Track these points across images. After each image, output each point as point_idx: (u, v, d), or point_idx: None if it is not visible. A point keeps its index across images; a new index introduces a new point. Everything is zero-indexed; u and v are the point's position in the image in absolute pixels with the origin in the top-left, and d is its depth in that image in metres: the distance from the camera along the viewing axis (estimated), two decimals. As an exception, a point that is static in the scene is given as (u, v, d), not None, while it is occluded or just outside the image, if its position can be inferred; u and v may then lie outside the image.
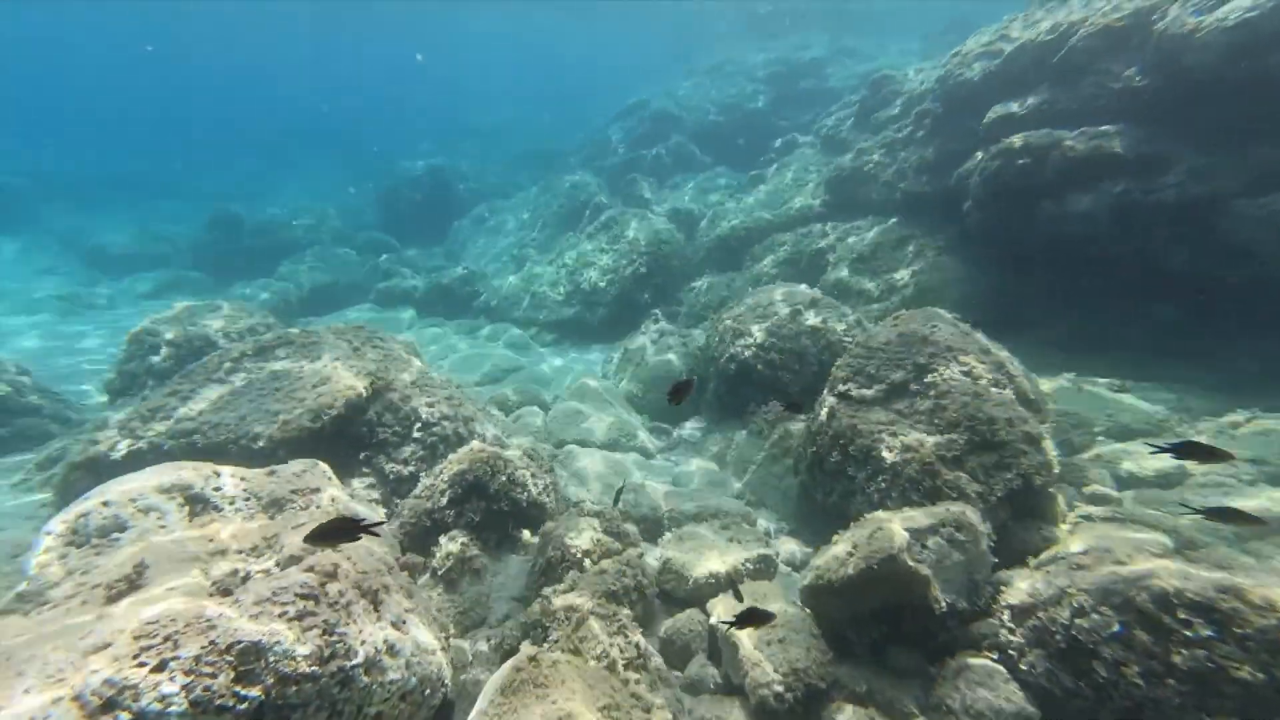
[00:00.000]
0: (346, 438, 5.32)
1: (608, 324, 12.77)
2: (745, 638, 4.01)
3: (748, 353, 7.61)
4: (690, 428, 8.53)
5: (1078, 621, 3.14)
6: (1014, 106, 8.85)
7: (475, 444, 5.58)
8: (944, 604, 3.67)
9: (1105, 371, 7.02)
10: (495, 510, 5.12)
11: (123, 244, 20.38)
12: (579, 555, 4.66)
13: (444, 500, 4.86)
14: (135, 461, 4.69)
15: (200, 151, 40.39)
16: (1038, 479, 4.19)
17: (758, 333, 7.72)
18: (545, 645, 3.75)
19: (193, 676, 2.11)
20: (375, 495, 5.16)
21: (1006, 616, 3.57)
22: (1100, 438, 5.92)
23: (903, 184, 10.80)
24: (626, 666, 3.78)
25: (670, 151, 19.56)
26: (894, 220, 10.52)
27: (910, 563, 3.73)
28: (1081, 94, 8.18)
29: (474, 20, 50.62)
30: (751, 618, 3.46)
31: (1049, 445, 4.44)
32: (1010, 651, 3.47)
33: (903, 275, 9.39)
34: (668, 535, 5.52)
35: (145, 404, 5.26)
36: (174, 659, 2.12)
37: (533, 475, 5.53)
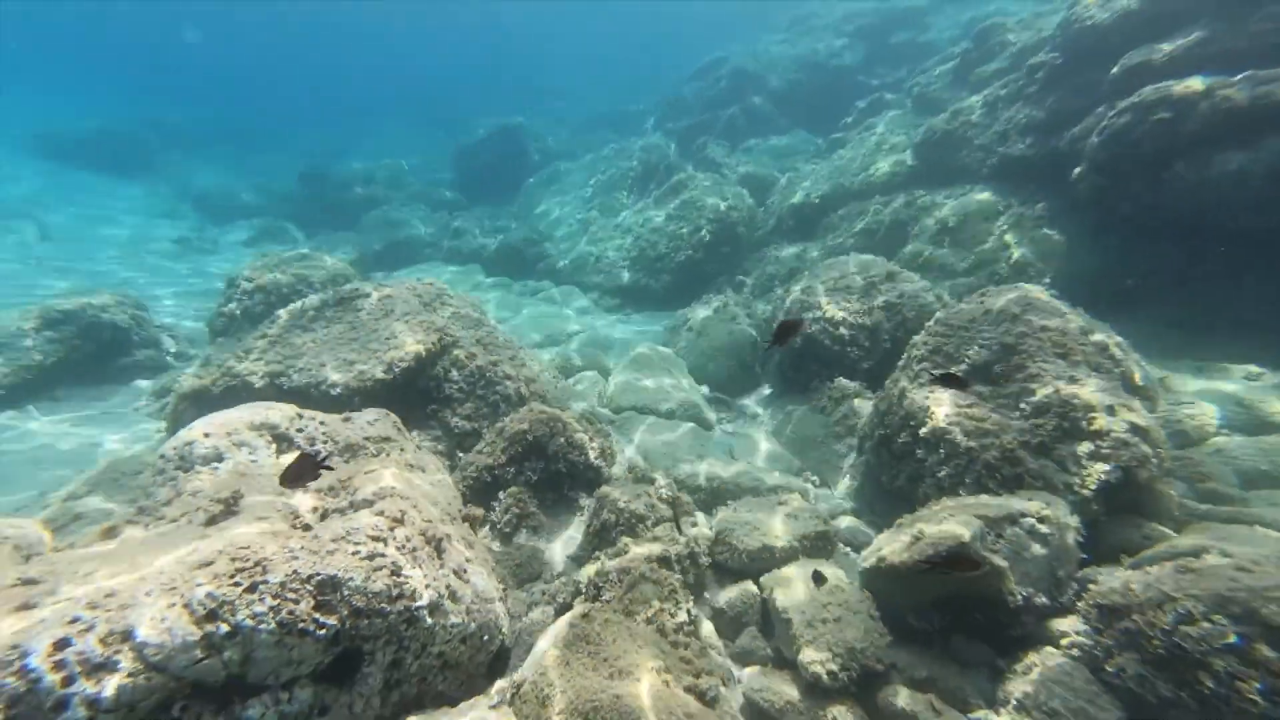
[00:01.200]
0: (415, 390, 5.54)
1: (672, 291, 12.62)
2: (798, 612, 3.96)
3: (815, 326, 7.32)
4: (751, 400, 8.38)
5: (1183, 629, 2.89)
6: (1157, 51, 7.70)
7: (536, 405, 5.68)
8: (1020, 597, 3.47)
9: (1237, 357, 6.22)
10: (553, 470, 5.23)
11: (226, 193, 22.10)
12: (633, 520, 4.70)
13: (504, 458, 4.99)
14: (230, 397, 5.07)
15: (297, 107, 42.69)
16: (1142, 472, 3.83)
17: (827, 306, 7.40)
18: (598, 604, 3.82)
19: (279, 600, 2.26)
20: (440, 447, 5.37)
21: (1094, 615, 3.34)
22: (1225, 430, 5.31)
23: (1001, 147, 9.84)
24: (676, 630, 3.82)
25: (745, 112, 18.80)
26: (988, 188, 9.70)
27: (983, 552, 3.54)
28: (1251, 29, 7.00)
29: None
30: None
31: (1159, 436, 4.03)
32: (1096, 652, 3.26)
33: (994, 248, 8.69)
34: (723, 507, 5.48)
35: (240, 345, 5.66)
36: (263, 582, 2.27)
37: (590, 439, 5.59)
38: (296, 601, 2.31)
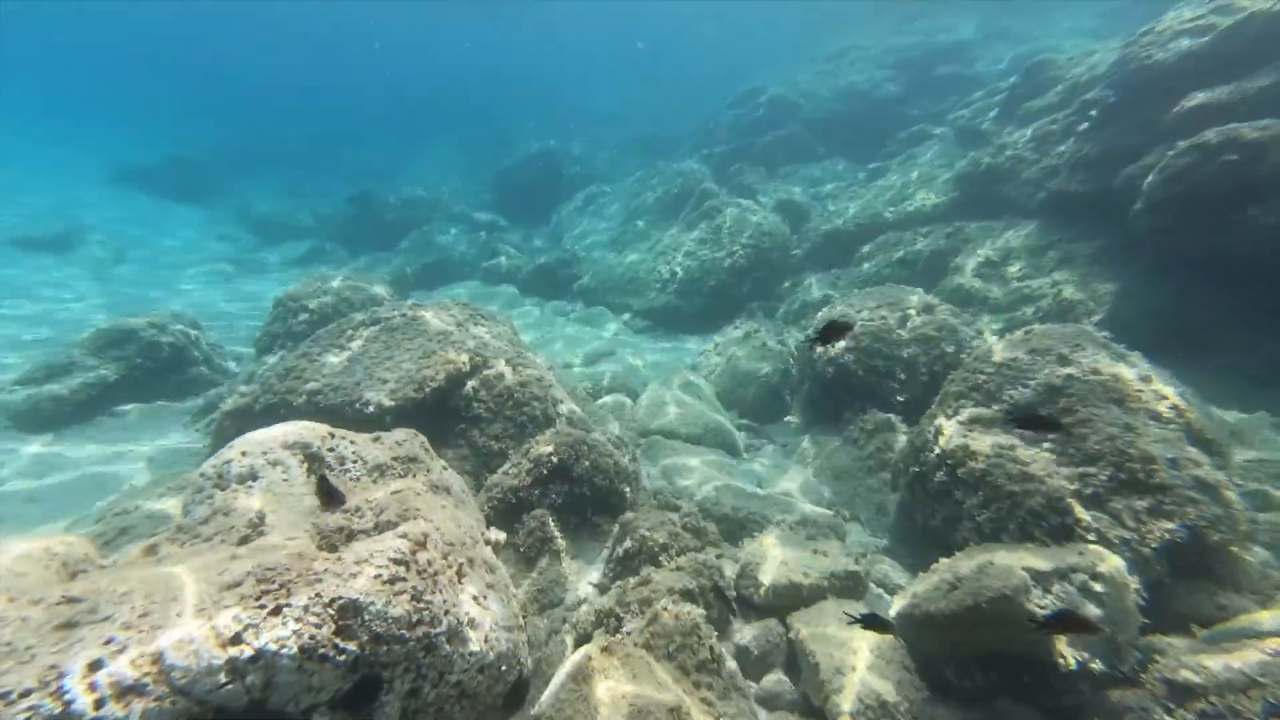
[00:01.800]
0: (446, 409, 5.60)
1: (703, 315, 12.60)
2: (826, 657, 3.79)
3: (848, 357, 7.17)
4: (781, 429, 8.22)
5: (1275, 720, 2.64)
6: (1220, 92, 7.53)
7: (562, 426, 5.68)
8: (1074, 662, 3.25)
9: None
10: (577, 494, 5.19)
11: (279, 216, 23.29)
12: (656, 549, 4.62)
13: (529, 480, 4.98)
14: (271, 414, 5.20)
15: (351, 129, 44.87)
16: (1213, 535, 3.55)
17: (861, 336, 7.25)
18: (619, 637, 3.74)
19: (302, 624, 2.26)
20: (467, 467, 5.39)
21: (1162, 692, 3.08)
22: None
23: (1051, 182, 9.61)
24: (699, 669, 3.69)
25: (783, 140, 18.84)
26: (1035, 223, 9.45)
27: (1030, 607, 3.33)
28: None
29: (606, 5, 52.16)
30: (874, 623, 3.25)
31: (1232, 496, 3.75)
32: (1166, 733, 2.99)
33: (1041, 285, 8.42)
34: (748, 538, 5.34)
35: (282, 363, 5.82)
36: (287, 605, 2.27)
37: (616, 463, 5.54)
38: (319, 626, 2.30)
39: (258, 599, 2.21)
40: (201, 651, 1.92)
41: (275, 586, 2.30)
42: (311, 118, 48.78)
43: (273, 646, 2.12)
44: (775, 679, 4.05)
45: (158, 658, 1.84)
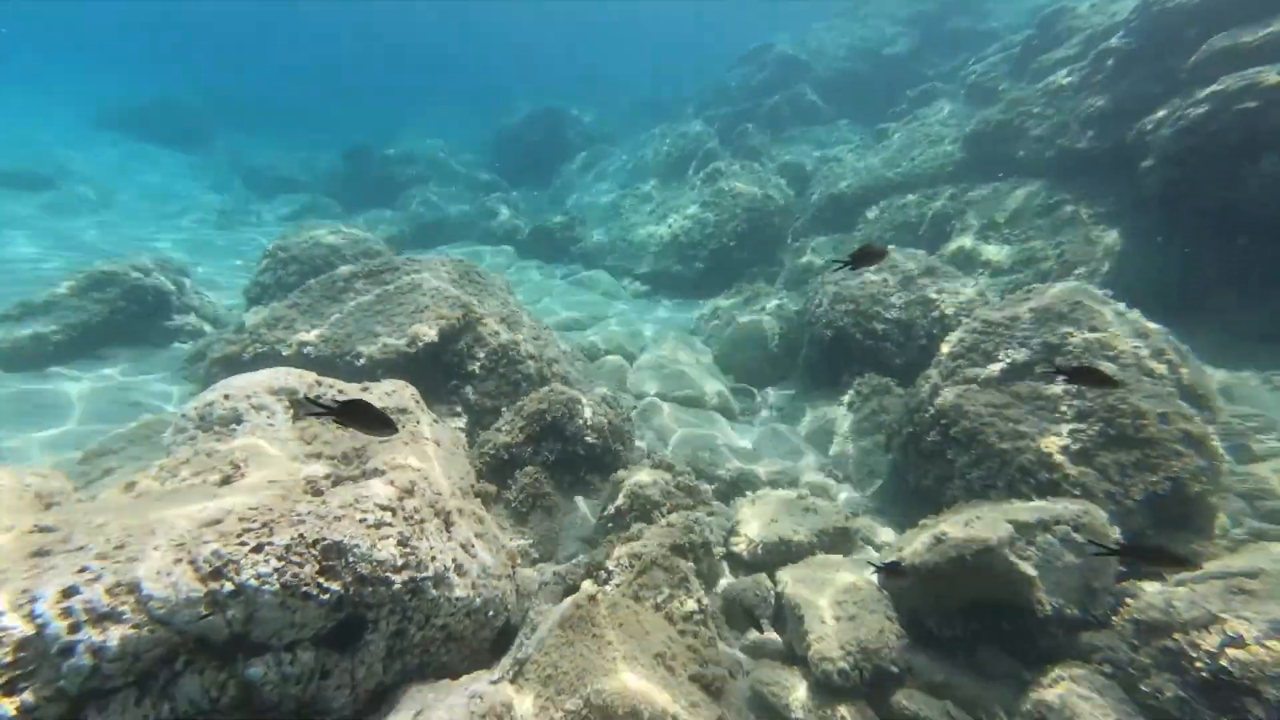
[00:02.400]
0: (438, 365, 5.57)
1: (703, 279, 12.46)
2: (811, 608, 3.85)
3: (846, 320, 7.10)
4: (776, 393, 8.21)
5: (1231, 653, 2.70)
6: (1244, 35, 7.04)
7: (556, 385, 5.66)
8: (1049, 607, 3.30)
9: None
10: (570, 452, 5.20)
11: (272, 168, 22.76)
12: (648, 506, 4.65)
13: (522, 436, 4.99)
14: (260, 363, 5.18)
15: (350, 85, 43.68)
16: (1193, 486, 3.58)
17: (861, 299, 7.17)
18: (608, 589, 3.78)
19: (284, 562, 2.27)
20: (460, 423, 5.40)
21: (1130, 631, 3.15)
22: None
23: (1061, 139, 9.26)
24: (685, 619, 3.75)
25: (789, 101, 18.32)
26: (1042, 182, 9.22)
27: (1011, 558, 3.36)
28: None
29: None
30: (893, 571, 3.31)
31: (1217, 448, 3.76)
32: (1130, 670, 3.08)
33: (1044, 245, 8.26)
34: (741, 498, 5.38)
35: (272, 313, 5.78)
36: (269, 544, 2.28)
37: (610, 423, 5.54)
38: (301, 565, 2.31)
39: (239, 536, 2.21)
40: (180, 584, 1.93)
41: (257, 525, 2.30)
42: (306, 71, 47.45)
43: (254, 583, 2.13)
44: (762, 630, 4.12)
45: (134, 587, 1.85)
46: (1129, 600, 3.26)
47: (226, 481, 2.69)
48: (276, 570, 2.22)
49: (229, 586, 2.06)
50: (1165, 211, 7.39)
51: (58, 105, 27.69)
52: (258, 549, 2.23)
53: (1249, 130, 6.30)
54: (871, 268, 6.55)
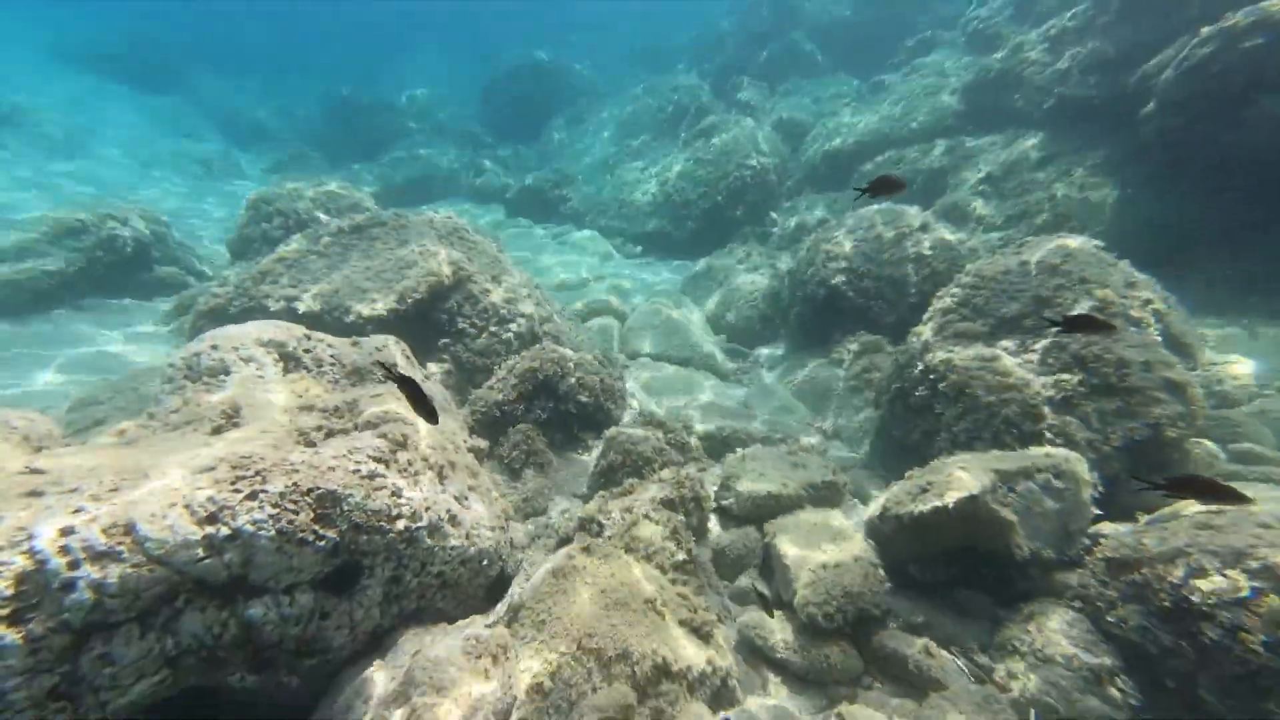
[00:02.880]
0: (428, 322, 5.54)
1: (696, 239, 12.33)
2: (797, 558, 3.96)
3: (838, 278, 7.08)
4: (767, 352, 8.25)
5: (1194, 582, 2.83)
6: None
7: (548, 344, 5.65)
8: (1027, 551, 3.42)
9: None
10: (562, 410, 5.23)
11: (254, 117, 21.95)
12: (640, 462, 4.71)
13: (514, 394, 5.00)
14: (246, 317, 5.11)
15: (330, 30, 41.59)
16: (1170, 431, 3.68)
17: (854, 257, 7.14)
18: (600, 540, 3.87)
19: (279, 509, 2.31)
20: (451, 381, 5.40)
21: (1101, 569, 3.30)
22: (1271, 392, 5.05)
23: (1061, 88, 9.03)
24: (675, 568, 3.86)
25: (785, 51, 17.78)
26: (1040, 134, 9.06)
27: (992, 505, 3.46)
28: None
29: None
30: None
31: (1197, 393, 3.85)
32: (1098, 603, 3.23)
33: (1041, 198, 8.18)
34: (732, 454, 5.46)
35: (258, 267, 5.68)
36: (263, 491, 2.31)
37: (602, 381, 5.56)
38: (296, 512, 2.34)
39: (233, 483, 2.23)
40: (177, 526, 1.95)
41: (250, 473, 2.32)
42: (283, 8, 45.03)
43: (249, 528, 2.16)
44: (750, 579, 4.24)
45: (130, 528, 1.87)
46: (1102, 540, 3.38)
47: (218, 431, 2.70)
48: (272, 517, 2.25)
49: (225, 531, 2.09)
50: (1164, 160, 7.27)
51: (9, 35, 25.66)
52: (252, 496, 2.25)
53: (1254, 71, 6.11)
54: (889, 196, 6.27)
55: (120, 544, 1.83)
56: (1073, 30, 9.39)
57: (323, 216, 7.49)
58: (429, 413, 2.41)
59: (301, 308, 5.15)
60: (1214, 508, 3.07)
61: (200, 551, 1.98)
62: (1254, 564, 2.66)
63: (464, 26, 37.68)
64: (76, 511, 1.84)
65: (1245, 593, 2.64)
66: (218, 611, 2.03)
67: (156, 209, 9.24)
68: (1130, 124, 7.46)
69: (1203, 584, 2.72)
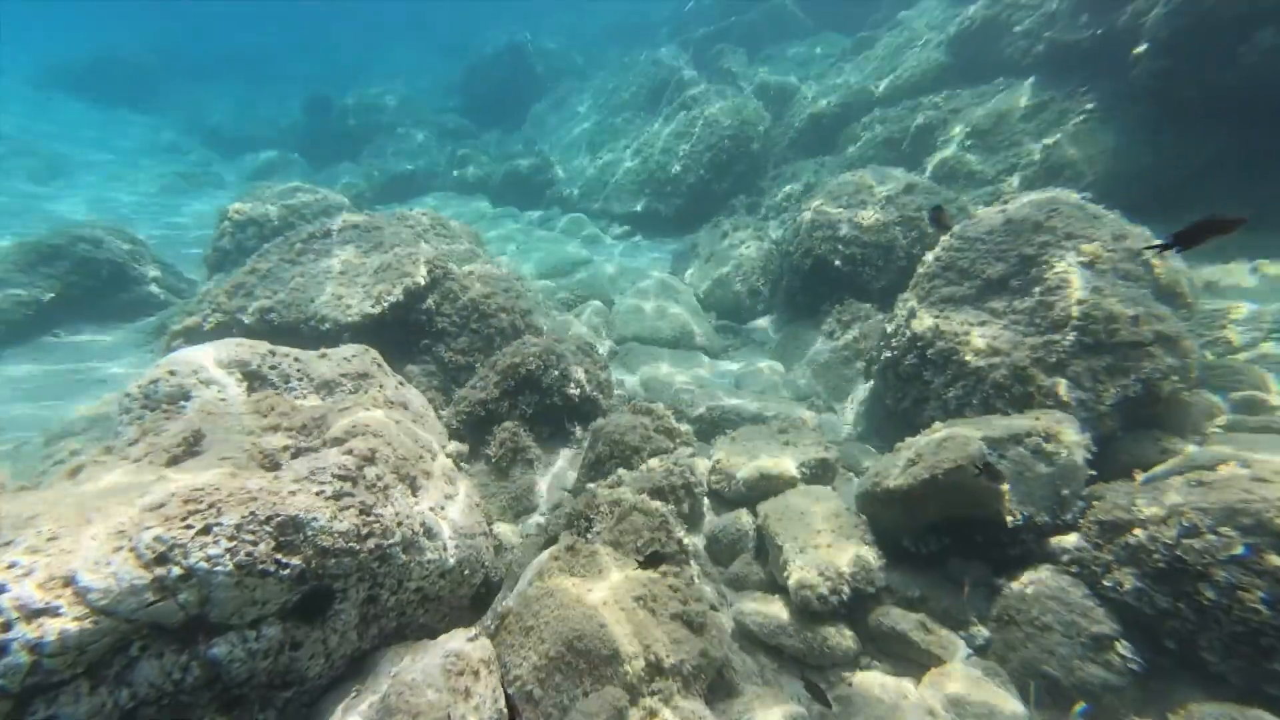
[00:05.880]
0: (407, 325, 5.45)
1: (683, 216, 12.11)
2: (790, 539, 3.90)
3: (824, 247, 6.91)
4: (759, 326, 8.12)
5: (1186, 542, 2.77)
6: None
7: (530, 338, 5.55)
8: (1018, 517, 3.34)
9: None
10: (548, 404, 5.15)
11: (232, 125, 21.67)
12: (628, 452, 4.64)
13: (497, 391, 4.92)
14: (222, 333, 5.06)
15: (306, 32, 40.85)
16: (1164, 385, 3.57)
17: (840, 224, 6.95)
18: (588, 536, 3.82)
19: (235, 542, 2.23)
20: (434, 382, 5.33)
21: (1094, 532, 3.22)
22: (1275, 334, 4.87)
23: (1049, 32, 8.70)
24: (666, 559, 3.80)
25: (766, 15, 17.26)
26: (1029, 81, 8.73)
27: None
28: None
29: None
30: (990, 472, 3.14)
31: (1190, 345, 3.72)
32: (1094, 567, 3.17)
33: (1031, 150, 7.92)
34: (722, 436, 5.38)
35: (230, 281, 5.60)
36: (217, 525, 2.24)
37: (587, 371, 5.47)
38: (255, 543, 2.28)
39: (184, 519, 2.16)
40: (121, 572, 1.89)
41: (204, 506, 2.25)
42: (262, 13, 44.22)
43: (204, 565, 2.10)
44: (744, 563, 4.20)
45: (70, 579, 1.81)
46: (1096, 502, 3.30)
47: (174, 462, 2.63)
48: (229, 550, 2.18)
49: (177, 571, 2.03)
50: (1155, 102, 7.05)
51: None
52: (205, 530, 2.18)
53: (1246, 2, 5.88)
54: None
55: (58, 598, 1.77)
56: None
57: (297, 222, 7.36)
58: None
59: (276, 319, 5.07)
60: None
61: (150, 595, 1.92)
62: (1247, 520, 2.56)
63: (441, 16, 36.84)
64: (10, 567, 1.78)
65: (1239, 550, 2.55)
66: (177, 655, 1.98)
67: (134, 226, 9.13)
68: (1119, 67, 7.19)
69: (1194, 543, 2.64)
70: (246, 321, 5.06)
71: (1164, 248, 2.52)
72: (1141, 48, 6.84)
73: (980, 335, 4.08)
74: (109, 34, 30.41)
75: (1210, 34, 6.21)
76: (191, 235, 11.76)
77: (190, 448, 2.73)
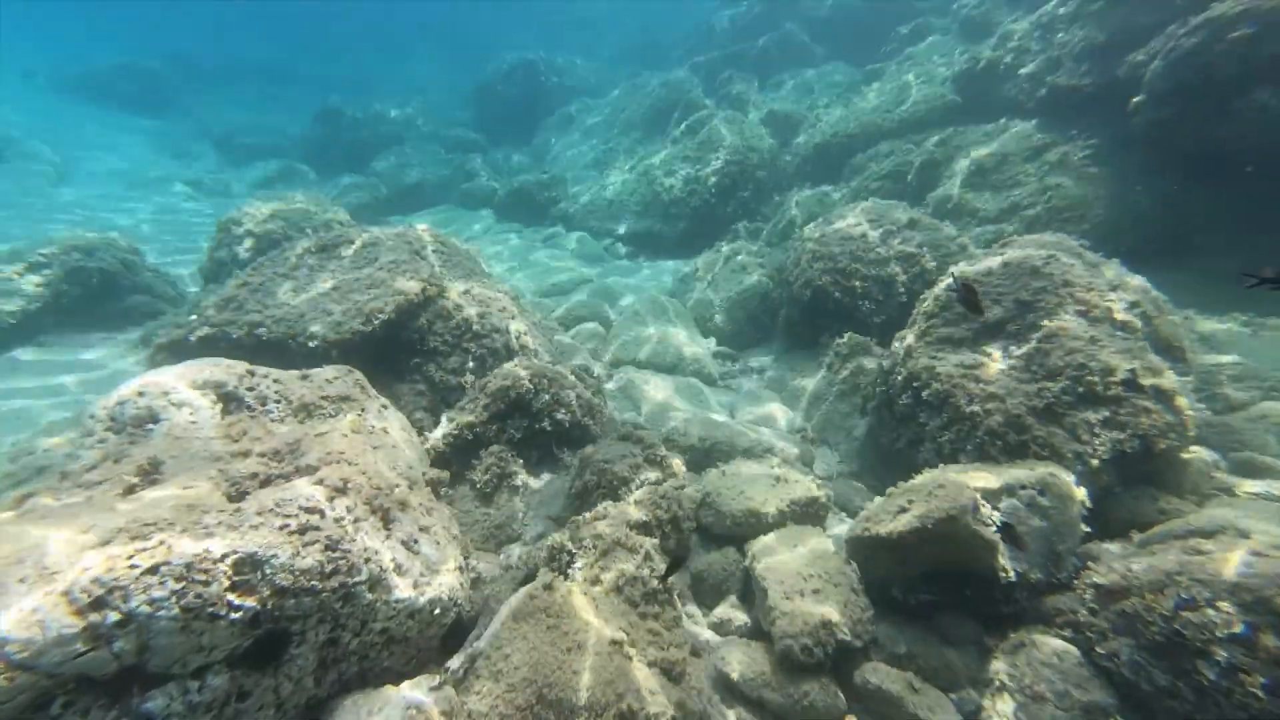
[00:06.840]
0: (397, 342, 5.37)
1: (686, 238, 12.10)
2: (776, 583, 3.77)
3: (825, 278, 6.84)
4: (759, 355, 8.03)
5: (1184, 614, 2.63)
6: None
7: (521, 360, 5.47)
8: (1012, 574, 3.21)
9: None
10: (538, 429, 5.05)
11: (243, 134, 21.80)
12: (615, 483, 4.53)
13: (485, 415, 4.83)
14: (208, 347, 4.97)
15: (321, 42, 41.47)
16: (1161, 442, 3.46)
17: (840, 256, 6.89)
18: (569, 573, 3.69)
19: (184, 583, 2.12)
20: (423, 403, 5.23)
21: (1090, 595, 3.09)
22: (1275, 393, 4.78)
23: (1052, 77, 8.80)
24: (646, 600, 3.67)
25: (777, 43, 17.45)
26: (1032, 123, 8.77)
27: (974, 526, 3.25)
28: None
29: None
30: None
31: (1184, 403, 3.63)
32: (1089, 634, 3.03)
33: (1033, 191, 7.90)
34: (714, 469, 5.26)
35: (221, 293, 5.53)
36: (166, 563, 2.13)
37: (579, 395, 5.37)
38: (207, 583, 2.17)
39: (129, 558, 2.06)
40: (48, 622, 1.79)
41: (153, 543, 2.15)
42: (279, 25, 44.94)
43: (146, 609, 1.99)
44: (729, 606, 4.07)
45: (-8, 630, 1.71)
46: (1091, 563, 3.18)
47: (131, 492, 2.53)
48: (175, 593, 2.07)
49: (114, 616, 1.92)
50: (1154, 152, 7.09)
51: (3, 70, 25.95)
52: (152, 570, 2.07)
53: (1243, 61, 5.94)
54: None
55: (-24, 649, 1.66)
56: (1063, 17, 9.10)
57: (295, 235, 7.32)
58: None
59: (265, 334, 4.99)
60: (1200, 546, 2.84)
61: (80, 645, 1.81)
62: (1247, 597, 2.44)
63: (457, 29, 37.40)
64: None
65: (1238, 629, 2.42)
66: (104, 712, 1.86)
67: (136, 234, 9.10)
68: (1123, 114, 7.23)
69: (1192, 616, 2.51)
70: (235, 336, 4.99)
71: (1263, 282, 2.28)
72: (1140, 98, 6.89)
73: (976, 380, 3.98)
74: (132, 41, 30.91)
75: (1209, 89, 6.27)
76: (191, 244, 11.76)
77: (149, 477, 2.63)
